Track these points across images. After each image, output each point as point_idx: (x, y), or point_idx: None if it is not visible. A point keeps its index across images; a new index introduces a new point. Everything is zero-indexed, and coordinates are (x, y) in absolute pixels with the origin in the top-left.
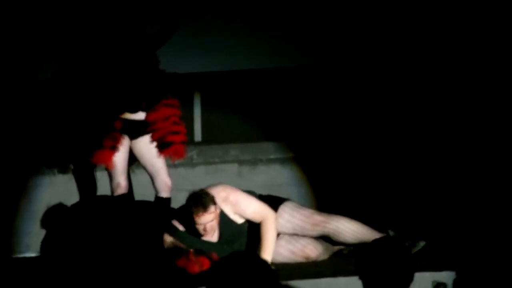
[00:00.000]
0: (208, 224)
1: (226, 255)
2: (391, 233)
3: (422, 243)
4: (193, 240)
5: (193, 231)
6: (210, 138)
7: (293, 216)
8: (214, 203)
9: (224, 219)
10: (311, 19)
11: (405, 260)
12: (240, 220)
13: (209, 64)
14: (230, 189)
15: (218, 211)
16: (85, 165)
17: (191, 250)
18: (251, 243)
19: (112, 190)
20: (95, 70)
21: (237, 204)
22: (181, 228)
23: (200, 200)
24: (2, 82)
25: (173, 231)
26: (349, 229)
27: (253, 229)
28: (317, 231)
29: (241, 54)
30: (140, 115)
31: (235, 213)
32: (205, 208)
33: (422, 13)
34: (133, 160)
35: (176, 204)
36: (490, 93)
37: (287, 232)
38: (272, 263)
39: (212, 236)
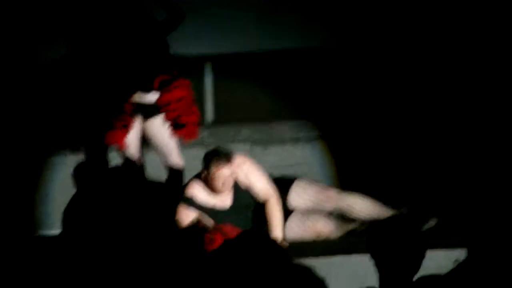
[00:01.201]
0: (227, 178)
1: (239, 224)
2: (404, 211)
3: (433, 222)
4: (207, 207)
5: (207, 198)
6: (221, 118)
7: (306, 190)
8: (233, 159)
9: (236, 185)
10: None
11: (416, 237)
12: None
13: (220, 45)
14: (247, 158)
15: (234, 169)
16: (98, 146)
17: (203, 226)
18: (261, 214)
19: (125, 171)
20: (107, 53)
21: (250, 173)
22: (194, 196)
23: (222, 152)
24: (15, 64)
25: (187, 201)
26: (363, 206)
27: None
28: (331, 206)
29: (252, 35)
30: (152, 97)
31: (246, 182)
32: (227, 159)
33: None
34: (144, 140)
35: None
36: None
37: (301, 207)
38: (284, 239)
39: (227, 196)
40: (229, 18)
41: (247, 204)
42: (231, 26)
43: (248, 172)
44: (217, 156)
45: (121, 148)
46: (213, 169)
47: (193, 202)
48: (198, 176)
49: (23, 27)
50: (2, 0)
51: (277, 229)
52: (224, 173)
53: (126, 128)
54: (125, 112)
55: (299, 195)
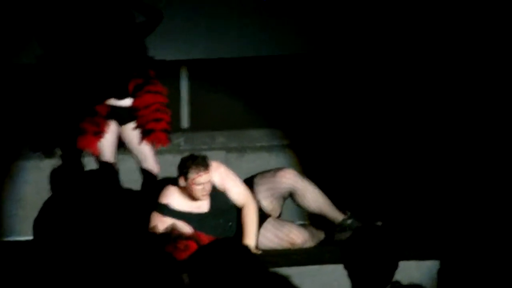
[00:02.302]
0: (205, 185)
1: (217, 228)
2: (348, 213)
3: (379, 223)
4: (183, 213)
5: (183, 204)
6: (197, 125)
7: (265, 174)
8: (210, 164)
9: (212, 190)
10: (302, 6)
11: (389, 248)
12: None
13: (196, 51)
14: (221, 164)
15: (211, 174)
16: (72, 150)
17: (178, 233)
18: (238, 218)
19: (99, 175)
20: (81, 56)
21: (226, 177)
22: (170, 203)
23: (201, 159)
24: None
25: (162, 209)
26: (315, 196)
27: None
28: (287, 184)
29: (228, 42)
30: (127, 102)
31: (222, 187)
32: (205, 166)
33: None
34: (120, 145)
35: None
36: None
37: (261, 190)
38: (259, 248)
39: (204, 201)
40: (206, 24)
41: (224, 209)
42: (207, 33)
43: (224, 177)
44: (196, 162)
45: (93, 153)
46: (193, 175)
47: (169, 209)
48: (173, 183)
49: None
50: None
51: (250, 236)
52: (203, 180)
53: (98, 133)
54: (99, 116)
55: (260, 178)
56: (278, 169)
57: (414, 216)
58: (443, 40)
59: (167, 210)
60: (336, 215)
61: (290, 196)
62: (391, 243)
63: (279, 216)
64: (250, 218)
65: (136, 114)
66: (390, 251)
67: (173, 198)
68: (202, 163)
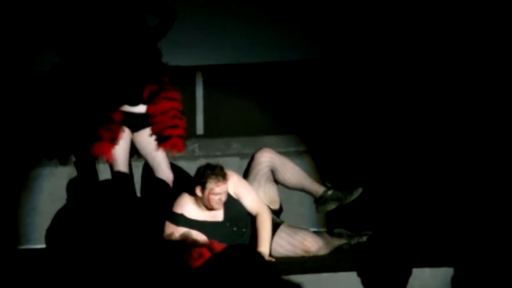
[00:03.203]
0: (222, 195)
1: (232, 236)
2: (328, 184)
3: (359, 190)
4: (198, 222)
5: (197, 213)
6: (212, 131)
7: (247, 167)
8: (227, 174)
9: (227, 197)
10: (316, 12)
11: (403, 256)
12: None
13: (212, 57)
14: (233, 172)
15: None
16: (86, 157)
17: (192, 241)
18: (251, 226)
19: (113, 182)
20: (96, 62)
21: (239, 186)
22: (184, 213)
23: (219, 169)
24: (3, 73)
25: (176, 218)
26: (294, 171)
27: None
28: (265, 163)
29: (244, 48)
30: (141, 108)
31: (235, 195)
32: (224, 176)
33: (426, 10)
34: (134, 152)
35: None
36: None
37: (252, 175)
38: (272, 256)
39: (219, 210)
40: (221, 30)
41: (238, 217)
42: (222, 39)
43: (238, 184)
44: (215, 172)
45: (108, 160)
46: (211, 185)
47: (183, 219)
48: (187, 190)
49: (12, 37)
50: None
51: (264, 244)
52: (221, 190)
53: (114, 140)
54: (114, 122)
55: (246, 175)
56: (254, 154)
57: (428, 223)
58: (450, 46)
59: (181, 220)
60: (317, 188)
61: (273, 174)
62: (405, 250)
63: (280, 207)
64: (264, 226)
65: (151, 121)
66: (404, 258)
67: (188, 207)
68: (221, 173)
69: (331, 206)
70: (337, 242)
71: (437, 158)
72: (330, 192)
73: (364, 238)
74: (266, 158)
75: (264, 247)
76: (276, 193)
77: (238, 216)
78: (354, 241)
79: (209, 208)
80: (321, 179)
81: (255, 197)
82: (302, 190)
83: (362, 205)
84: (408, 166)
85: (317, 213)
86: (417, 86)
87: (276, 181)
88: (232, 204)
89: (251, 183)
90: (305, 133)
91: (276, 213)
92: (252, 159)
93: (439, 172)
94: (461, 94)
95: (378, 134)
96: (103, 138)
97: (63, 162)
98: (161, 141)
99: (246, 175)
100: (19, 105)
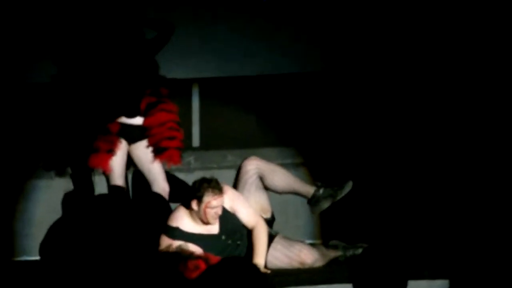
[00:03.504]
0: (218, 209)
1: (227, 249)
2: (318, 183)
3: (350, 183)
4: (193, 235)
5: (193, 226)
6: (208, 143)
7: (235, 178)
8: (223, 188)
9: (223, 211)
10: (313, 25)
11: (400, 268)
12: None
13: (208, 70)
14: (228, 186)
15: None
16: (83, 169)
17: (187, 253)
18: (246, 239)
19: (110, 194)
20: (93, 74)
21: (235, 200)
22: (180, 226)
23: (215, 182)
24: (1, 85)
25: (172, 232)
26: (282, 175)
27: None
28: (252, 171)
29: (240, 60)
30: (138, 120)
31: (231, 208)
32: (220, 190)
33: (426, 15)
34: (130, 164)
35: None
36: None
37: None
38: (268, 268)
39: (214, 224)
40: (217, 42)
41: (233, 230)
42: (219, 50)
43: (233, 197)
44: (212, 186)
45: (105, 172)
46: (208, 198)
47: (179, 232)
48: (183, 204)
49: (10, 48)
50: None
51: (260, 255)
52: (217, 203)
53: (111, 151)
54: (111, 134)
55: (236, 186)
56: (241, 164)
57: (424, 235)
58: (450, 58)
59: (177, 233)
60: (308, 189)
61: (262, 181)
62: (401, 262)
63: (272, 216)
64: (260, 238)
65: (148, 133)
66: (400, 270)
67: (183, 220)
68: (217, 187)
69: (325, 204)
70: (333, 254)
71: (433, 169)
72: (321, 191)
73: (360, 250)
74: (253, 165)
75: (260, 259)
76: (267, 201)
77: (234, 229)
78: (349, 253)
79: (205, 222)
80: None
81: (250, 211)
82: (293, 193)
83: (357, 216)
84: (404, 178)
85: (312, 214)
86: (414, 97)
87: (266, 188)
88: (227, 218)
89: (241, 193)
90: (301, 146)
91: (269, 222)
92: (239, 169)
93: (435, 184)
94: (461, 101)
95: (375, 145)
96: (100, 149)
97: (60, 173)
98: (158, 152)
99: (235, 185)
100: (16, 117)
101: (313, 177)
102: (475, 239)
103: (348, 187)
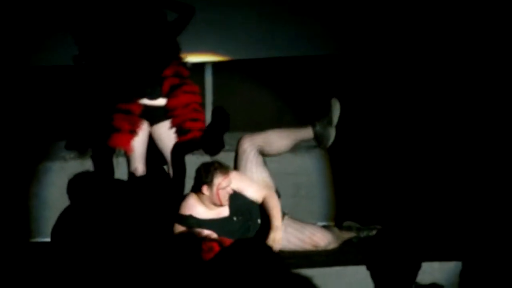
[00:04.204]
0: (229, 188)
1: (242, 227)
2: (314, 123)
3: (335, 102)
4: (206, 221)
5: (205, 212)
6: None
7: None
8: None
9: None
10: (331, 7)
11: (412, 250)
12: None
13: (221, 52)
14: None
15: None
16: (104, 149)
17: (202, 237)
18: (256, 217)
19: (129, 175)
20: (115, 55)
21: (240, 180)
22: (193, 214)
23: (218, 163)
24: (17, 67)
25: (185, 220)
26: (278, 138)
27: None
28: (250, 149)
29: (254, 43)
30: (160, 101)
31: (238, 188)
32: (227, 169)
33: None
34: (150, 145)
35: (188, 191)
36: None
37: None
38: (282, 251)
39: (226, 205)
40: (232, 25)
41: (243, 209)
42: (235, 33)
43: (238, 179)
44: (218, 166)
45: (127, 152)
46: (219, 179)
47: (192, 219)
48: (193, 190)
49: (26, 28)
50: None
51: (277, 219)
52: (228, 182)
53: (133, 132)
54: (133, 114)
55: (237, 160)
56: (236, 146)
57: (437, 217)
58: (453, 46)
59: (190, 221)
60: (306, 132)
61: (263, 155)
62: (414, 244)
63: (277, 191)
64: (273, 205)
65: (172, 114)
66: (413, 252)
67: (195, 208)
68: (224, 167)
69: (330, 133)
70: (346, 235)
71: (446, 152)
72: (318, 126)
73: (374, 232)
74: (248, 143)
75: (277, 221)
76: (269, 177)
77: (243, 209)
78: (363, 234)
79: (218, 204)
80: (332, 174)
81: (256, 186)
82: (297, 143)
83: (371, 198)
84: (417, 161)
85: (321, 149)
86: (427, 86)
87: (272, 155)
88: (236, 198)
89: (243, 173)
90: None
91: None
92: (236, 150)
93: (448, 167)
94: (472, 94)
95: (389, 128)
96: (122, 129)
97: (81, 153)
98: (181, 134)
99: (236, 168)
100: (30, 100)
101: (329, 160)
102: (488, 221)
103: (336, 106)
